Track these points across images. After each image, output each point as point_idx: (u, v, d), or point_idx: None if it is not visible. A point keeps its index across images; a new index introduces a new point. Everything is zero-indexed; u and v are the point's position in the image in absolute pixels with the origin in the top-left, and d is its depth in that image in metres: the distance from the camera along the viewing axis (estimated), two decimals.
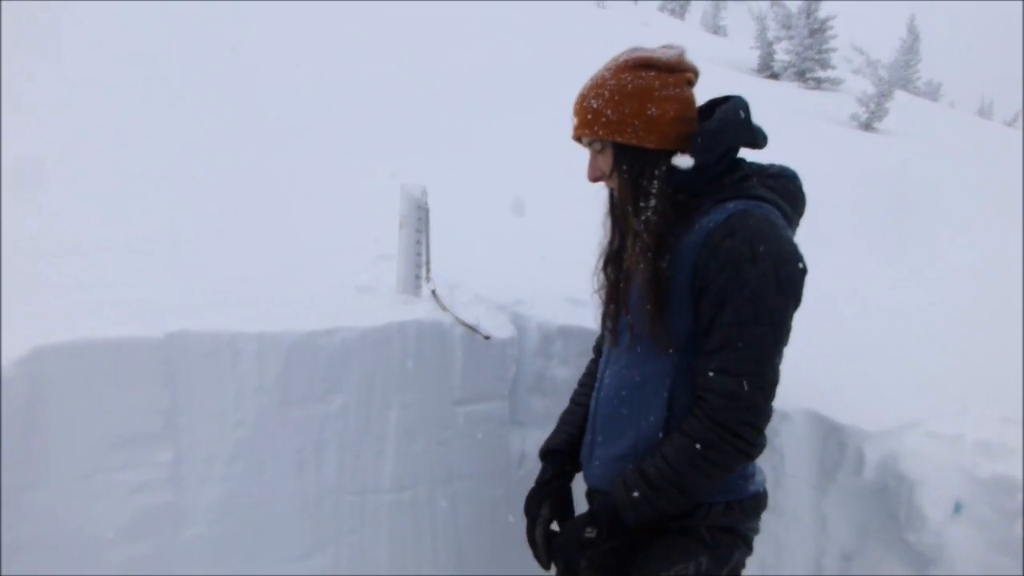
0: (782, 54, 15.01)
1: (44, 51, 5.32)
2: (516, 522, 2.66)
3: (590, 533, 1.69)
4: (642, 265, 1.66)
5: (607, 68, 1.71)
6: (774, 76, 14.78)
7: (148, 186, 3.60)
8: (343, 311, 2.40)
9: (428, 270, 2.60)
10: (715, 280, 1.58)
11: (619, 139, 1.67)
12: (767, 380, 1.60)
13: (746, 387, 1.57)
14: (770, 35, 15.41)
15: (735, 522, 1.75)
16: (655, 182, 1.67)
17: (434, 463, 2.50)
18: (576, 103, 1.72)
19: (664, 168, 1.67)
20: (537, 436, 2.74)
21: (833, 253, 4.08)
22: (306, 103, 5.72)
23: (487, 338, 2.54)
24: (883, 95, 10.56)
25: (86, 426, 1.89)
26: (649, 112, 1.65)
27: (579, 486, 1.99)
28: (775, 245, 1.59)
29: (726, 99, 1.75)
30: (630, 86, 1.66)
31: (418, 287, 2.61)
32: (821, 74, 14.50)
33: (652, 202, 1.67)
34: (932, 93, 26.15)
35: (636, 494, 1.64)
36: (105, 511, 1.92)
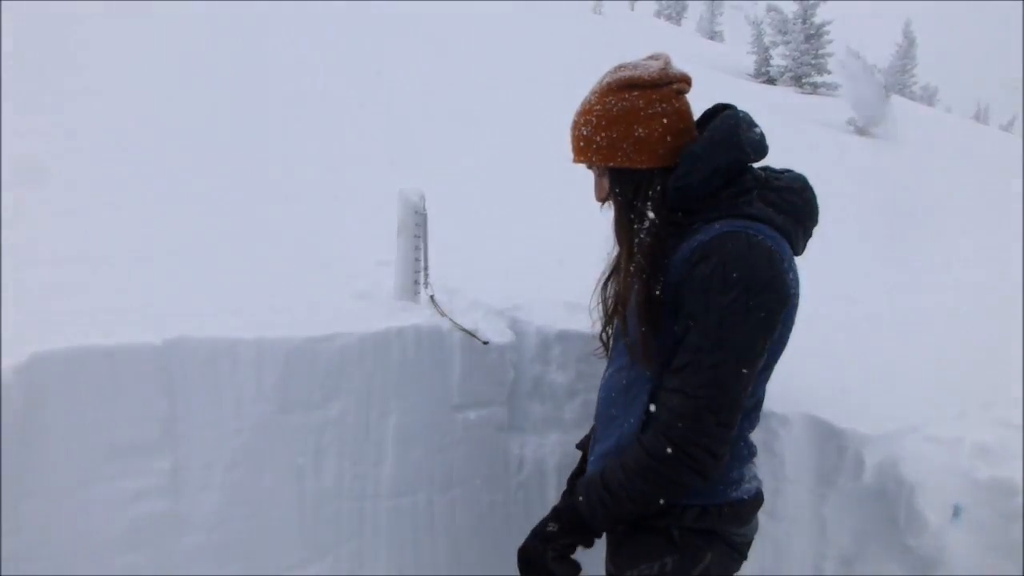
0: (778, 59, 15.08)
1: (43, 52, 5.32)
2: (515, 527, 2.66)
3: (552, 528, 1.78)
4: (636, 287, 1.67)
5: (594, 92, 1.72)
6: (770, 81, 14.84)
7: (145, 191, 3.60)
8: (341, 317, 2.40)
9: (426, 276, 2.60)
10: (687, 302, 1.59)
11: (612, 163, 1.68)
12: (721, 406, 1.57)
13: (701, 410, 1.57)
14: (766, 40, 15.48)
15: (711, 525, 1.73)
16: (649, 203, 1.67)
17: (433, 469, 2.50)
18: (570, 130, 1.75)
19: (658, 188, 1.67)
20: (535, 441, 2.74)
21: (830, 257, 4.09)
22: (305, 108, 5.73)
23: (485, 343, 2.54)
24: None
25: (84, 434, 1.89)
26: (637, 133, 1.64)
27: None
28: (749, 272, 1.55)
29: (725, 107, 1.74)
30: (615, 109, 1.66)
31: (416, 293, 2.61)
32: (817, 79, 14.56)
33: (646, 223, 1.67)
34: (928, 98, 26.23)
35: (595, 497, 1.71)
36: (103, 519, 1.92)
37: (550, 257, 3.30)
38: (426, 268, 2.59)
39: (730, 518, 1.76)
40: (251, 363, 2.13)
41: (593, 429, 2.08)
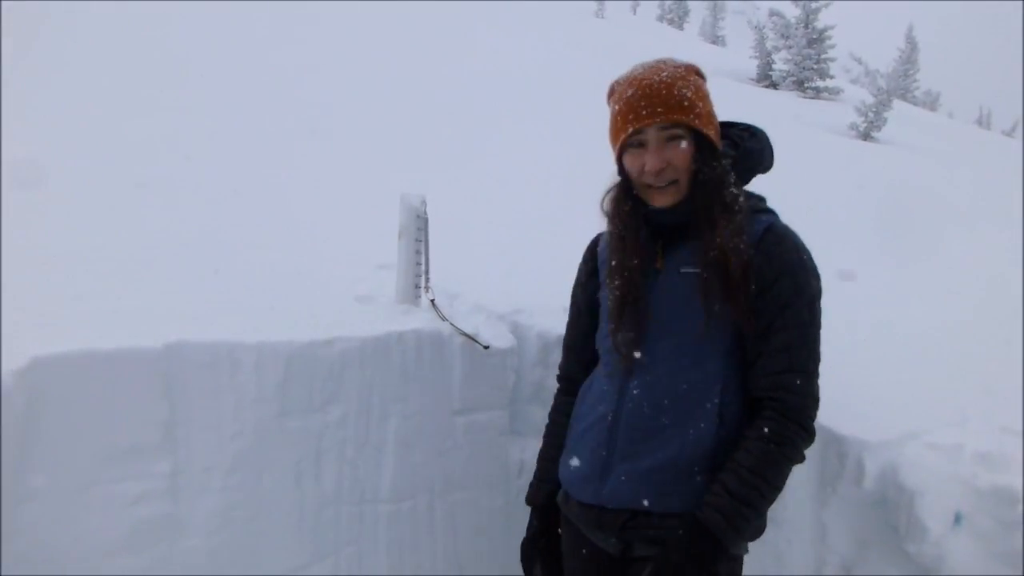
0: (781, 64, 15.07)
1: (45, 53, 5.33)
2: (515, 531, 2.66)
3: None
4: (741, 247, 1.63)
5: (675, 66, 1.69)
6: (773, 85, 14.84)
7: (147, 195, 3.60)
8: (342, 321, 2.40)
9: (427, 280, 2.60)
10: (773, 284, 1.63)
11: (709, 132, 1.67)
12: (818, 374, 1.68)
13: (812, 385, 1.66)
14: (768, 45, 15.47)
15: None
16: (732, 175, 1.70)
17: (433, 473, 2.50)
18: (658, 89, 1.64)
19: (729, 168, 1.70)
20: (536, 446, 2.72)
21: (831, 263, 4.08)
22: (306, 112, 5.74)
23: (486, 348, 2.53)
24: (881, 105, 10.59)
25: (84, 437, 1.89)
26: (715, 114, 1.71)
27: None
28: (811, 257, 1.70)
29: (731, 123, 1.80)
30: (702, 88, 1.70)
31: (417, 297, 2.61)
32: (820, 84, 14.55)
33: (735, 191, 1.68)
34: (931, 103, 26.22)
35: (738, 519, 1.59)
36: (104, 522, 1.92)
37: (550, 261, 3.30)
38: (427, 272, 2.59)
39: None
40: (251, 367, 2.13)
41: (542, 477, 1.98)
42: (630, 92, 1.66)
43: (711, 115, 1.69)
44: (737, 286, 1.63)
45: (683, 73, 1.68)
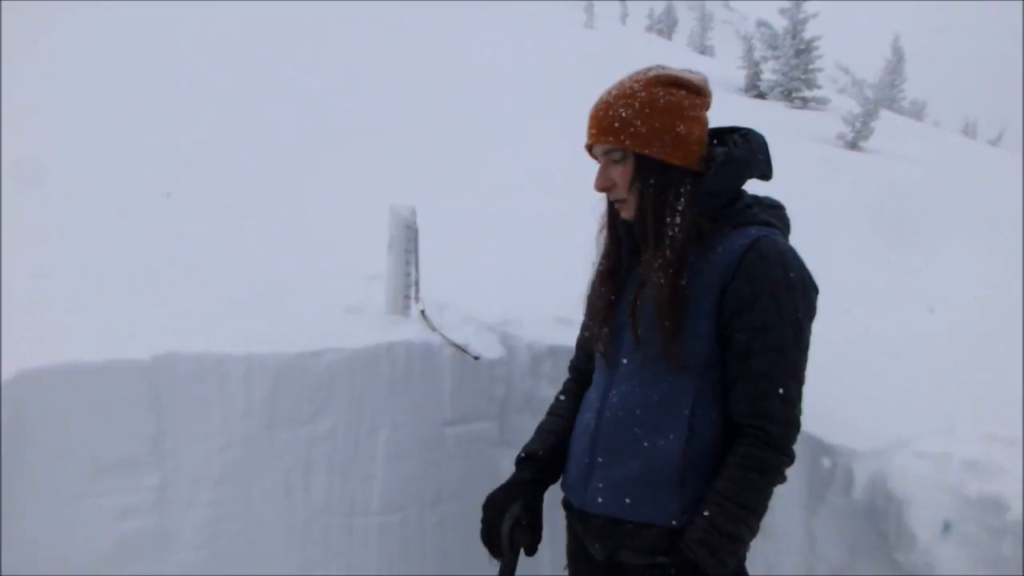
0: (769, 74, 15.17)
1: (45, 55, 5.31)
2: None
3: None
4: (662, 282, 1.64)
5: (635, 80, 1.70)
6: (761, 95, 14.93)
7: (136, 206, 3.59)
8: (331, 332, 2.40)
9: (417, 290, 2.59)
10: (753, 304, 1.60)
11: (647, 152, 1.65)
12: (800, 397, 1.66)
13: (794, 410, 1.63)
14: (756, 55, 15.58)
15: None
16: (681, 199, 1.67)
17: (423, 484, 2.49)
18: (598, 110, 1.70)
19: (688, 187, 1.67)
20: None
21: (819, 272, 4.10)
22: (297, 120, 5.74)
23: (476, 358, 2.53)
24: (868, 114, 10.66)
25: (71, 451, 1.88)
26: (678, 129, 1.66)
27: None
28: (801, 272, 1.65)
29: (734, 129, 1.79)
30: (662, 101, 1.66)
31: (407, 308, 2.60)
32: (807, 93, 14.65)
33: (677, 219, 1.66)
34: (917, 112, 26.44)
35: (726, 554, 1.60)
36: (91, 537, 1.91)
37: (541, 272, 3.30)
38: (417, 283, 2.59)
39: None
40: (240, 379, 2.12)
41: (538, 436, 1.93)
42: (591, 108, 1.72)
43: (658, 131, 1.65)
44: (660, 314, 1.64)
45: (636, 88, 1.67)
